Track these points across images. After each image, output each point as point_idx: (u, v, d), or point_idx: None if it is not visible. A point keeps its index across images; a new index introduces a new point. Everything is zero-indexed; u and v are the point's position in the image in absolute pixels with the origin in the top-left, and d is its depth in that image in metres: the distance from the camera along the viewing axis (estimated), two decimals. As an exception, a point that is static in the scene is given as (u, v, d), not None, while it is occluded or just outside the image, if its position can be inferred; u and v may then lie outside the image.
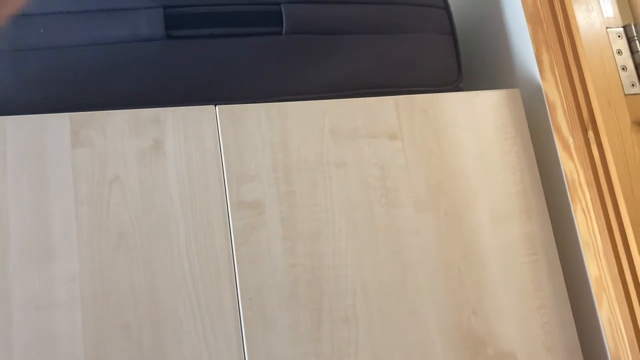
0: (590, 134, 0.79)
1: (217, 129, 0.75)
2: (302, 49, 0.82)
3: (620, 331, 0.75)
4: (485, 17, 1.01)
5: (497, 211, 0.81)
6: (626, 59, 0.82)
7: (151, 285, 0.68)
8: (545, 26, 0.85)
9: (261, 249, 0.72)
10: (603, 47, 0.81)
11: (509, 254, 0.80)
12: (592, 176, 0.78)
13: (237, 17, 0.80)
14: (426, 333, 0.74)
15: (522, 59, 0.91)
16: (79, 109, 0.73)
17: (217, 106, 0.76)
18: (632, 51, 0.82)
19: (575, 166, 0.81)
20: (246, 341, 0.69)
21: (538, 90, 0.88)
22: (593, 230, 0.78)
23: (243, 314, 0.69)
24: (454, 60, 0.90)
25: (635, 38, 0.82)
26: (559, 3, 0.84)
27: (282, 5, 0.81)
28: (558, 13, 0.84)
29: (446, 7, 0.92)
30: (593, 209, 0.78)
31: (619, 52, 0.82)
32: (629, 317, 0.74)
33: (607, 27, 0.83)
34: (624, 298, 0.74)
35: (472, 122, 0.84)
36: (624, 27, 0.83)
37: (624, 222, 0.76)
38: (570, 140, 0.81)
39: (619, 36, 0.82)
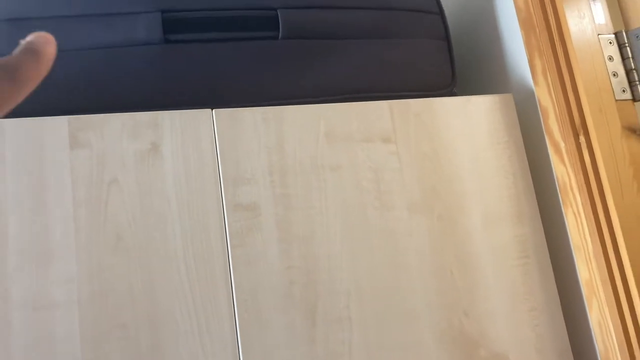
0: (582, 138, 0.81)
1: (214, 132, 0.76)
2: (298, 54, 0.83)
3: (610, 333, 0.76)
4: (479, 23, 1.02)
5: (489, 214, 0.82)
6: (617, 65, 0.83)
7: (148, 287, 0.69)
8: (538, 32, 0.86)
9: (257, 251, 0.73)
10: (594, 53, 0.83)
11: (501, 256, 0.81)
12: (583, 180, 0.80)
13: (234, 21, 0.81)
14: (419, 334, 0.75)
15: (515, 64, 0.93)
16: (77, 112, 0.73)
17: (214, 110, 0.77)
18: (623, 57, 0.83)
19: (567, 170, 0.82)
20: (241, 342, 0.69)
21: (531, 95, 0.89)
22: (584, 233, 0.80)
23: (238, 315, 0.70)
24: (448, 65, 0.91)
25: (626, 45, 0.83)
26: (551, 9, 0.85)
27: (278, 11, 0.82)
28: (550, 19, 0.85)
29: (440, 13, 0.93)
30: (584, 212, 0.79)
31: (610, 59, 0.83)
32: (618, 319, 0.75)
33: (598, 34, 0.84)
34: (613, 301, 0.76)
35: (466, 127, 0.85)
36: (615, 33, 0.84)
37: (614, 226, 0.77)
38: (562, 144, 0.82)
39: (610, 43, 0.84)
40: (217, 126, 0.76)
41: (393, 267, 0.76)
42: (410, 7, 0.91)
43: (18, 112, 0.72)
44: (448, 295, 0.77)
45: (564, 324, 0.81)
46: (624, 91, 0.82)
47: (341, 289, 0.74)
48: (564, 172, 0.83)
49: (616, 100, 0.81)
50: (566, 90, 0.83)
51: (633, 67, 0.82)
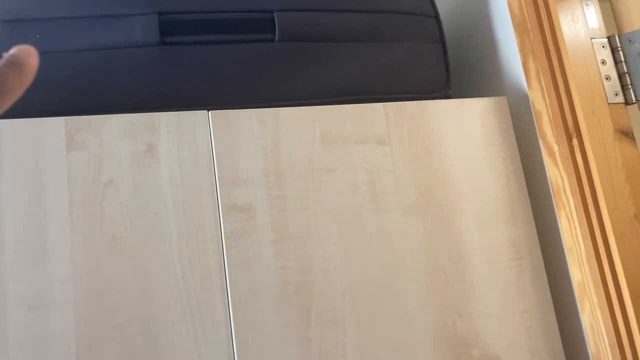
0: (575, 141, 0.81)
1: (210, 134, 0.76)
2: (294, 56, 0.83)
3: (602, 335, 0.77)
4: (474, 26, 1.03)
5: (483, 216, 0.83)
6: (610, 69, 0.84)
7: (144, 287, 0.69)
8: (532, 35, 0.87)
9: (252, 252, 0.73)
10: (587, 57, 0.84)
11: (494, 258, 0.82)
12: (576, 183, 0.80)
13: (230, 24, 0.82)
14: (413, 335, 0.75)
15: (510, 68, 0.93)
16: (74, 113, 0.74)
17: (210, 111, 0.77)
18: (616, 61, 0.84)
19: (560, 173, 0.83)
20: (236, 342, 0.70)
21: (524, 98, 0.90)
22: (576, 236, 0.80)
23: (233, 316, 0.71)
24: (442, 68, 0.92)
25: (619, 48, 0.84)
26: (545, 13, 0.86)
27: (274, 13, 0.83)
28: (544, 23, 0.86)
29: (436, 16, 0.94)
30: (577, 215, 0.80)
31: (603, 62, 0.84)
32: (610, 321, 0.76)
33: (591, 38, 0.85)
34: (605, 303, 0.76)
35: (460, 129, 0.86)
36: (608, 37, 0.85)
37: (606, 228, 0.78)
38: (555, 147, 0.83)
39: (603, 46, 0.85)
40: (213, 128, 0.76)
41: (387, 268, 0.77)
42: (406, 10, 0.92)
43: (15, 113, 0.73)
44: (442, 296, 0.78)
45: (556, 325, 0.81)
46: (616, 95, 0.83)
47: (336, 290, 0.75)
48: (557, 175, 0.83)
49: (609, 104, 0.82)
50: (559, 93, 0.83)
51: (625, 70, 0.83)
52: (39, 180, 0.70)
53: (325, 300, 0.74)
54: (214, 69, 0.80)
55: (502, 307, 0.80)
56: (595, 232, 0.79)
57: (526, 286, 0.82)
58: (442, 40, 0.93)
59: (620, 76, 0.83)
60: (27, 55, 0.27)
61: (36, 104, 0.74)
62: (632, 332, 0.75)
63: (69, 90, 0.75)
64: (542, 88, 0.85)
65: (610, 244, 0.78)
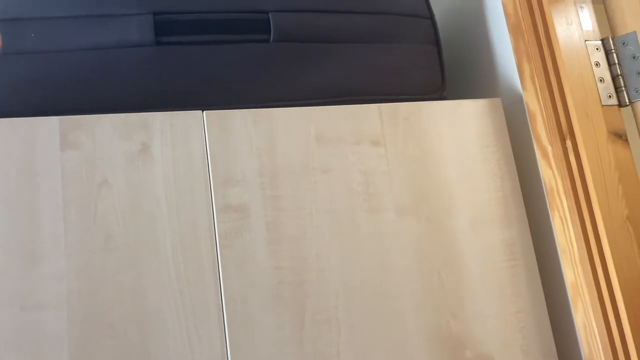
0: (569, 143, 0.82)
1: (204, 134, 0.76)
2: (289, 57, 0.83)
3: (595, 335, 0.77)
4: (469, 28, 1.03)
5: (477, 217, 0.83)
6: (603, 71, 0.84)
7: (137, 287, 0.69)
8: (526, 38, 0.87)
9: (246, 252, 0.73)
10: (581, 59, 0.84)
11: (488, 259, 0.82)
12: (569, 184, 0.81)
13: (226, 24, 0.82)
14: (406, 335, 0.76)
15: (504, 69, 0.94)
16: (68, 112, 0.74)
17: (204, 111, 0.77)
18: (610, 63, 0.84)
19: (554, 174, 0.83)
20: (229, 342, 0.70)
21: (519, 99, 0.90)
22: (570, 237, 0.81)
23: (227, 315, 0.71)
24: (437, 69, 0.92)
25: (613, 51, 0.84)
26: (539, 16, 0.86)
27: (270, 14, 0.83)
28: (539, 25, 0.86)
29: (431, 17, 0.94)
30: (570, 216, 0.80)
31: (596, 64, 0.84)
32: (602, 322, 0.76)
33: (585, 40, 0.85)
34: (598, 303, 0.77)
35: (455, 130, 0.86)
36: (602, 40, 0.86)
37: (599, 229, 0.78)
38: (549, 149, 0.83)
39: (597, 49, 0.85)
40: (207, 128, 0.77)
41: (381, 268, 0.77)
42: (401, 11, 0.92)
43: (9, 112, 0.73)
44: (436, 296, 0.78)
45: (549, 326, 0.82)
46: (610, 97, 0.83)
47: (330, 290, 0.75)
48: (551, 176, 0.84)
49: (602, 106, 0.83)
50: (554, 95, 0.84)
51: (619, 73, 0.83)
52: (33, 180, 0.70)
53: (319, 300, 0.74)
54: (209, 69, 0.80)
55: (496, 307, 0.80)
56: (589, 233, 0.79)
57: (520, 287, 0.82)
58: (437, 41, 0.94)
59: (614, 78, 0.84)
60: None
61: (30, 103, 0.74)
62: (625, 332, 0.75)
63: (64, 90, 0.75)
64: (536, 90, 0.85)
65: (603, 246, 0.78)
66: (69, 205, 0.70)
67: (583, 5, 0.87)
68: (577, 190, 0.80)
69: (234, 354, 0.70)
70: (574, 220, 0.80)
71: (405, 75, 0.89)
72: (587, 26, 0.86)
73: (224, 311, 0.71)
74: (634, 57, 0.83)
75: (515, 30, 0.89)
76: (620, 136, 0.82)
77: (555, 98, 0.84)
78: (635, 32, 0.83)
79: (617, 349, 0.75)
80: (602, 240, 0.78)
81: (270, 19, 0.82)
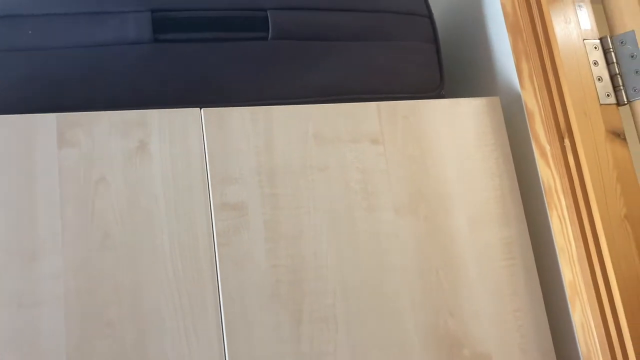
0: (567, 142, 0.82)
1: (202, 132, 0.76)
2: (287, 55, 0.83)
3: (592, 334, 0.77)
4: (467, 27, 1.03)
5: (475, 216, 0.83)
6: (602, 70, 0.84)
7: (135, 284, 0.69)
8: (525, 36, 0.87)
9: (243, 250, 0.73)
10: (580, 58, 0.84)
11: (486, 258, 0.82)
12: (567, 183, 0.81)
13: (224, 22, 0.81)
14: (404, 334, 0.75)
15: (503, 68, 0.94)
16: (66, 110, 0.74)
17: (202, 109, 0.77)
18: (608, 62, 0.84)
19: (552, 173, 0.83)
20: (227, 340, 0.70)
21: (517, 98, 0.90)
22: (568, 236, 0.81)
23: (224, 314, 0.71)
24: (436, 67, 0.92)
25: (611, 50, 0.84)
26: (538, 14, 0.86)
27: (268, 11, 0.83)
28: (537, 24, 0.86)
29: (430, 16, 0.94)
30: (568, 215, 0.80)
31: (595, 63, 0.84)
32: (600, 320, 0.76)
33: (584, 39, 0.85)
34: (596, 302, 0.77)
35: (453, 129, 0.86)
36: (600, 39, 0.86)
37: (597, 228, 0.78)
38: (548, 147, 0.83)
39: (595, 48, 0.85)
40: (205, 125, 0.76)
41: (379, 267, 0.77)
42: (400, 9, 0.92)
43: (6, 109, 0.72)
44: (433, 295, 0.78)
45: (547, 324, 0.82)
46: (608, 95, 0.83)
47: (327, 288, 0.75)
48: (549, 175, 0.84)
49: (601, 105, 0.83)
50: (552, 94, 0.84)
51: (617, 72, 0.83)
52: (30, 177, 0.69)
53: (316, 298, 0.74)
54: (207, 67, 0.80)
55: (494, 306, 0.80)
56: (587, 232, 0.79)
57: (518, 286, 0.82)
58: (435, 40, 0.93)
59: (612, 77, 0.84)
60: None
61: (27, 100, 0.73)
62: (622, 331, 0.75)
63: (61, 87, 0.75)
64: (534, 88, 0.85)
65: (601, 244, 0.78)
66: (67, 203, 0.69)
67: (581, 4, 0.87)
68: (575, 189, 0.80)
69: (231, 351, 0.70)
70: (572, 219, 0.80)
71: (403, 73, 0.89)
72: (586, 25, 0.86)
73: (221, 309, 0.71)
74: (632, 56, 0.83)
75: (513, 29, 0.89)
76: (618, 135, 0.82)
77: (554, 97, 0.84)
78: (633, 31, 0.83)
79: (615, 347, 0.75)
80: (600, 239, 0.78)
81: (269, 17, 0.82)
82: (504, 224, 0.84)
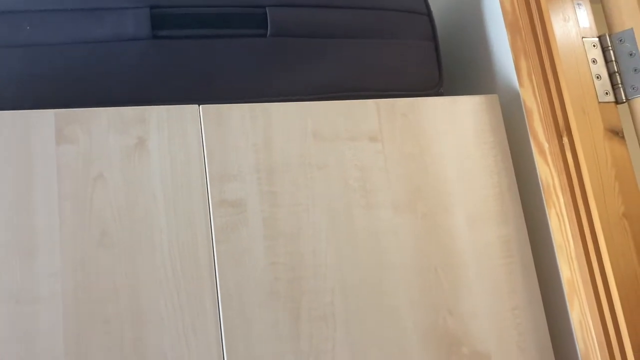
0: (565, 140, 0.82)
1: (201, 128, 0.76)
2: (286, 52, 0.83)
3: (590, 332, 0.77)
4: (466, 24, 1.03)
5: (474, 214, 0.83)
6: (600, 68, 0.84)
7: (132, 282, 0.69)
8: (523, 34, 0.87)
9: (242, 248, 0.73)
10: (578, 56, 0.84)
11: (485, 256, 0.82)
12: (566, 181, 0.81)
13: (223, 18, 0.81)
14: (403, 332, 0.75)
15: (501, 66, 0.94)
16: (64, 106, 0.73)
17: (200, 105, 0.77)
18: (607, 60, 0.84)
19: (551, 171, 0.83)
20: (225, 338, 0.70)
21: (516, 96, 0.90)
22: (566, 234, 0.81)
23: (223, 311, 0.70)
24: (435, 65, 0.92)
25: (610, 48, 0.84)
26: (537, 13, 0.86)
27: (267, 8, 0.82)
28: (536, 22, 0.86)
29: (428, 14, 0.94)
30: (567, 213, 0.80)
31: (593, 61, 0.84)
32: (598, 318, 0.76)
33: (582, 37, 0.85)
34: (594, 300, 0.77)
35: (452, 127, 0.86)
36: (599, 37, 0.86)
37: (595, 226, 0.78)
38: (546, 145, 0.83)
39: (594, 46, 0.85)
40: (204, 122, 0.76)
41: (378, 265, 0.77)
42: (399, 7, 0.92)
43: (4, 105, 0.72)
44: (432, 293, 0.78)
45: (545, 322, 0.82)
46: (606, 94, 0.83)
47: (326, 286, 0.74)
48: (547, 173, 0.84)
49: (599, 103, 0.83)
50: (550, 92, 0.84)
51: (616, 70, 0.83)
52: (28, 174, 0.69)
53: (315, 296, 0.74)
54: (206, 64, 0.79)
55: (492, 304, 0.80)
56: (585, 230, 0.79)
57: (516, 284, 0.82)
58: (434, 37, 0.93)
59: (611, 75, 0.84)
60: None
61: (25, 96, 0.73)
62: (620, 329, 0.75)
63: (59, 83, 0.74)
64: (533, 86, 0.85)
65: (599, 242, 0.78)
66: (65, 200, 0.69)
67: (580, 2, 0.87)
68: (573, 187, 0.80)
69: (229, 349, 0.69)
70: (571, 217, 0.80)
71: (402, 71, 0.89)
72: (584, 23, 0.86)
73: (219, 307, 0.70)
74: (630, 54, 0.83)
75: (512, 27, 0.89)
76: (616, 133, 0.82)
77: (552, 95, 0.84)
78: (632, 29, 0.83)
79: (613, 345, 0.75)
80: (598, 237, 0.78)
81: (268, 14, 0.82)
82: (502, 222, 0.84)
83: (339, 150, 0.80)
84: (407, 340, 0.75)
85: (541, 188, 0.85)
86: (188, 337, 0.69)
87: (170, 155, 0.74)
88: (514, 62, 0.89)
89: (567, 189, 0.80)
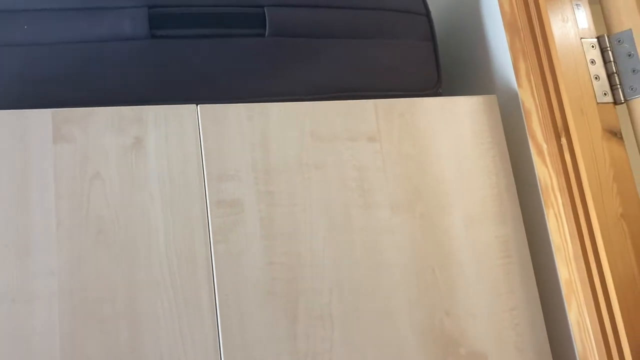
0: (563, 140, 0.82)
1: (198, 128, 0.76)
2: (284, 52, 0.83)
3: (588, 333, 0.77)
4: (465, 25, 1.03)
5: (472, 214, 0.83)
6: (599, 69, 0.84)
7: (129, 281, 0.69)
8: (522, 35, 0.87)
9: (239, 247, 0.73)
10: (577, 57, 0.84)
11: (483, 256, 0.82)
12: (564, 182, 0.81)
13: (221, 18, 0.81)
14: (400, 332, 0.75)
15: (500, 67, 0.94)
16: (61, 105, 0.73)
17: (198, 105, 0.77)
18: (605, 61, 0.84)
19: (549, 172, 0.83)
20: (222, 338, 0.70)
21: (514, 97, 0.90)
22: (564, 234, 0.80)
23: (220, 311, 0.70)
24: (433, 66, 0.92)
25: (608, 49, 0.84)
26: (535, 13, 0.86)
27: (265, 8, 0.82)
28: (535, 23, 0.86)
29: (427, 14, 0.94)
30: (565, 213, 0.80)
31: (592, 62, 0.84)
32: (596, 319, 0.76)
33: (581, 38, 0.85)
34: (592, 301, 0.77)
35: (450, 127, 0.86)
36: (597, 37, 0.86)
37: (593, 227, 0.78)
38: (544, 146, 0.83)
39: (592, 46, 0.85)
40: (201, 122, 0.76)
41: (375, 265, 0.77)
42: (397, 7, 0.92)
43: (2, 104, 0.72)
44: (429, 294, 0.78)
45: (543, 323, 0.81)
46: (605, 94, 0.83)
47: (323, 286, 0.74)
48: (546, 174, 0.84)
49: (597, 103, 0.83)
50: (549, 92, 0.84)
51: (614, 70, 0.83)
52: (25, 172, 0.69)
53: (312, 296, 0.74)
54: (204, 63, 0.79)
55: (490, 305, 0.80)
56: (583, 230, 0.79)
57: (514, 284, 0.82)
58: (433, 38, 0.93)
59: (609, 76, 0.84)
60: None
61: (23, 95, 0.73)
62: (618, 330, 0.75)
63: (57, 82, 0.74)
64: (531, 87, 0.85)
65: (597, 243, 0.78)
66: (61, 199, 0.69)
67: (579, 3, 0.87)
68: (571, 188, 0.80)
69: (226, 349, 0.69)
70: (569, 218, 0.80)
71: (401, 71, 0.89)
72: (583, 24, 0.86)
73: (216, 306, 0.70)
74: (629, 55, 0.83)
75: (511, 28, 0.89)
76: (615, 134, 0.82)
77: (551, 95, 0.84)
78: (630, 29, 0.83)
79: (611, 346, 0.75)
80: (596, 238, 0.78)
81: (266, 14, 0.82)
82: (500, 222, 0.84)
83: (337, 150, 0.80)
84: (404, 341, 0.75)
85: (539, 188, 0.85)
86: (185, 337, 0.68)
87: (168, 155, 0.74)
88: (512, 62, 0.89)
89: (565, 189, 0.80)
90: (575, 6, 0.87)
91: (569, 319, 0.81)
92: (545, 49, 0.85)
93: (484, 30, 0.97)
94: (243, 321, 0.71)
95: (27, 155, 0.70)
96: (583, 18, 0.86)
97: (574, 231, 0.79)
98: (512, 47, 0.89)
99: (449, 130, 0.85)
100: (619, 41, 0.84)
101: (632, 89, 0.82)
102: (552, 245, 0.83)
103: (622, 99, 0.83)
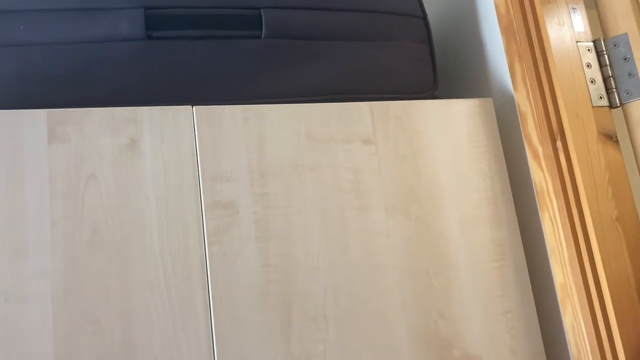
0: (559, 143, 0.82)
1: (194, 129, 0.76)
2: (280, 54, 0.83)
3: (583, 337, 0.77)
4: (461, 28, 1.03)
5: (467, 217, 0.83)
6: (595, 72, 0.84)
7: (123, 283, 0.69)
8: (518, 38, 0.87)
9: (234, 249, 0.73)
10: (573, 60, 0.84)
11: (477, 259, 0.82)
12: (559, 185, 0.81)
13: (217, 20, 0.81)
14: (394, 334, 0.75)
15: (496, 70, 0.94)
16: (56, 106, 0.73)
17: (194, 106, 0.77)
18: (601, 65, 0.84)
19: (544, 175, 0.83)
20: (216, 340, 0.69)
21: (510, 100, 0.90)
22: (559, 237, 0.80)
23: (214, 313, 0.70)
24: (429, 68, 0.92)
25: (604, 52, 0.84)
26: (531, 16, 0.86)
27: (262, 10, 0.82)
28: (531, 26, 0.86)
29: (424, 17, 0.94)
30: (560, 217, 0.80)
31: (588, 66, 0.84)
32: (591, 323, 0.76)
33: (577, 41, 0.85)
34: (586, 304, 0.77)
35: (446, 130, 0.86)
36: (593, 41, 0.86)
37: (588, 230, 0.78)
38: (540, 149, 0.83)
39: (588, 50, 0.85)
40: (197, 123, 0.76)
41: (370, 267, 0.77)
42: (394, 10, 0.92)
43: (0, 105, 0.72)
44: (424, 296, 0.78)
45: (538, 326, 0.81)
46: (600, 98, 0.83)
47: (318, 288, 0.74)
48: (541, 177, 0.84)
49: (593, 107, 0.83)
50: (545, 95, 0.84)
51: (610, 74, 0.83)
52: (19, 173, 0.69)
53: (307, 298, 0.74)
54: (200, 65, 0.79)
55: (485, 307, 0.80)
56: (578, 234, 0.79)
57: (509, 287, 0.82)
58: (429, 41, 0.93)
59: (605, 79, 0.84)
60: None
61: (18, 95, 0.73)
62: (613, 334, 0.75)
63: (52, 83, 0.74)
64: (527, 90, 0.85)
65: (592, 246, 0.78)
66: (56, 200, 0.69)
67: (575, 6, 0.87)
68: (567, 191, 0.80)
69: (220, 351, 0.69)
70: (564, 221, 0.80)
71: (397, 74, 0.89)
72: (579, 27, 0.86)
73: (211, 308, 0.70)
74: (625, 59, 0.83)
75: (507, 31, 0.89)
76: (610, 137, 0.82)
77: (547, 99, 0.84)
78: (626, 33, 0.83)
79: (605, 349, 0.75)
80: (591, 241, 0.78)
81: (262, 15, 0.82)
82: (495, 225, 0.84)
83: (332, 152, 0.80)
84: (399, 343, 0.75)
85: (535, 192, 0.85)
86: (179, 338, 0.68)
87: (163, 156, 0.74)
88: (508, 65, 0.89)
89: (561, 192, 0.80)
90: (572, 10, 0.87)
91: (563, 322, 0.81)
92: (541, 52, 0.85)
93: (480, 33, 0.97)
94: (237, 323, 0.71)
95: (22, 155, 0.69)
96: (579, 21, 0.87)
97: (569, 234, 0.79)
98: (508, 50, 0.89)
99: (444, 132, 0.85)
100: (615, 45, 0.84)
101: (627, 92, 0.82)
102: (547, 248, 0.83)
103: (618, 102, 0.83)
